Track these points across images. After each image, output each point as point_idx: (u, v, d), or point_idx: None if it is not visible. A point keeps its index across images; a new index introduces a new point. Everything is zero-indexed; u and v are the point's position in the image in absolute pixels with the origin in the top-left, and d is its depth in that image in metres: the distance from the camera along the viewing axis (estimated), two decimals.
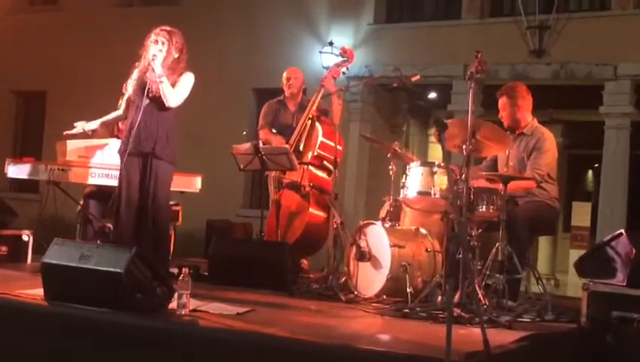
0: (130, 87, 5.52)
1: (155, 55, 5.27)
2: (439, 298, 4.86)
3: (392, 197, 5.74)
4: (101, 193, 6.39)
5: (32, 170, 6.14)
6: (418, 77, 6.11)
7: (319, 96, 6.56)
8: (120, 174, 5.42)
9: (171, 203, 5.70)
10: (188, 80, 5.42)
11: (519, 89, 5.60)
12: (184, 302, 4.10)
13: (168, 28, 5.40)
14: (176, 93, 5.36)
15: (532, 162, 5.38)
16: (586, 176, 14.84)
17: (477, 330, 3.65)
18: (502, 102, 5.59)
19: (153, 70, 5.27)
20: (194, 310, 4.20)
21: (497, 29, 10.61)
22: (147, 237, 5.33)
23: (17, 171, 6.21)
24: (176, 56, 5.36)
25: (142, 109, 5.29)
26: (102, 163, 6.11)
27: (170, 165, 5.42)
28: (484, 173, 5.42)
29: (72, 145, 6.13)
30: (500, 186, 4.97)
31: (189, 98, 5.47)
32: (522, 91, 5.58)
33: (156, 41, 5.32)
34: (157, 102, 5.33)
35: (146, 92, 5.29)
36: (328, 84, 6.49)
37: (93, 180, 6.12)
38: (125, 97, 5.67)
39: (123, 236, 5.29)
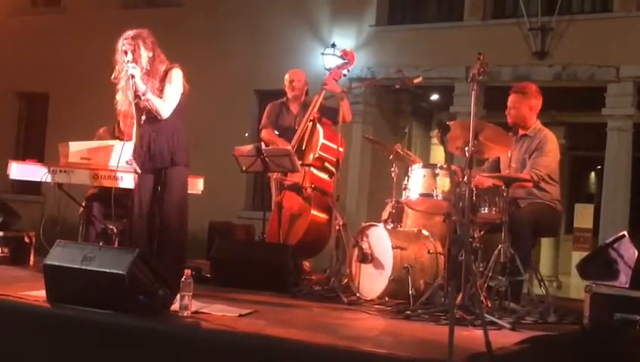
0: (120, 106, 5.47)
1: (132, 75, 5.19)
2: (441, 300, 4.86)
3: (394, 198, 5.74)
4: (104, 195, 6.39)
5: (34, 171, 6.15)
6: (420, 79, 6.10)
7: (320, 98, 6.56)
8: (134, 187, 5.47)
9: None
10: (173, 80, 5.33)
11: (532, 89, 5.60)
12: (186, 304, 4.11)
13: (131, 33, 5.32)
14: (166, 101, 5.30)
15: (532, 162, 5.38)
16: (588, 178, 14.83)
17: (479, 332, 3.64)
18: (513, 98, 5.56)
19: (137, 89, 5.21)
20: (196, 312, 4.20)
21: (500, 31, 10.60)
22: (163, 242, 5.40)
23: (20, 173, 6.22)
24: (150, 55, 5.31)
25: (144, 127, 5.32)
26: (105, 164, 6.11)
27: (184, 167, 5.44)
28: (486, 174, 5.42)
29: (74, 146, 6.14)
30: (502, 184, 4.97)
31: (191, 100, 5.45)
32: (534, 92, 5.58)
33: (125, 52, 5.27)
34: (153, 115, 5.33)
35: (138, 110, 5.30)
36: (332, 86, 6.48)
37: (95, 182, 6.13)
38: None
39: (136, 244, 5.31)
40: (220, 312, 4.31)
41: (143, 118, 5.35)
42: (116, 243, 6.28)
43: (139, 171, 5.40)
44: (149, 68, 5.30)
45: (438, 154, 12.82)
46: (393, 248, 5.20)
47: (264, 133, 6.77)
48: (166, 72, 5.35)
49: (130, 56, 5.25)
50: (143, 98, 5.24)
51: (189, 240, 5.70)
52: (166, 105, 5.31)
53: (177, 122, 5.41)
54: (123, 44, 5.30)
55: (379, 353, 3.48)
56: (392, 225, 5.57)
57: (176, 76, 5.36)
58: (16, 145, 14.47)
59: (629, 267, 4.71)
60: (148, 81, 5.27)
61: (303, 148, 6.49)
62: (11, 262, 6.36)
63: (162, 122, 5.34)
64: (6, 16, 13.94)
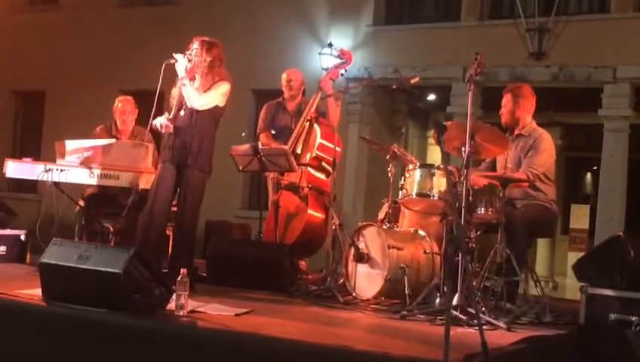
0: (175, 97, 5.64)
1: (175, 59, 5.41)
2: (437, 300, 4.87)
3: (390, 198, 5.74)
4: (102, 194, 6.39)
5: (30, 169, 6.14)
6: (417, 79, 6.10)
7: (317, 98, 6.56)
8: (154, 179, 5.62)
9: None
10: (220, 88, 5.54)
11: (524, 89, 5.64)
12: (182, 303, 4.11)
13: (205, 38, 5.56)
14: (203, 96, 5.48)
15: (527, 160, 5.39)
16: (584, 179, 14.84)
17: (475, 332, 3.65)
18: (505, 98, 5.61)
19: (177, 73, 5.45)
20: (192, 311, 4.21)
21: (497, 31, 10.60)
22: (177, 244, 5.58)
23: (16, 171, 6.21)
24: (209, 60, 5.50)
25: (177, 120, 5.52)
26: (101, 163, 6.10)
27: (202, 173, 5.55)
28: (481, 173, 5.42)
29: (70, 145, 6.13)
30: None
31: None
32: (526, 92, 5.61)
33: (188, 49, 5.50)
34: (190, 113, 5.49)
35: (178, 103, 5.54)
36: (325, 86, 6.49)
37: (92, 180, 6.12)
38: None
39: (142, 239, 5.40)
40: (216, 311, 4.31)
41: (182, 113, 5.53)
42: (112, 242, 6.27)
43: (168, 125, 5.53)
44: (206, 72, 5.51)
45: (434, 154, 12.82)
46: (389, 248, 5.20)
47: (263, 138, 6.76)
48: (216, 82, 5.54)
49: (194, 54, 5.48)
50: (179, 82, 5.45)
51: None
52: (200, 98, 5.48)
53: (209, 129, 5.57)
54: (192, 42, 5.53)
55: (375, 353, 3.48)
56: (388, 225, 5.57)
57: (223, 86, 5.58)
58: (13, 143, 14.44)
59: (624, 268, 4.72)
60: (202, 84, 5.49)
61: (300, 147, 6.50)
62: (7, 261, 6.36)
63: (194, 123, 5.50)
64: (3, 14, 13.92)
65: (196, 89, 5.49)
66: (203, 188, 5.61)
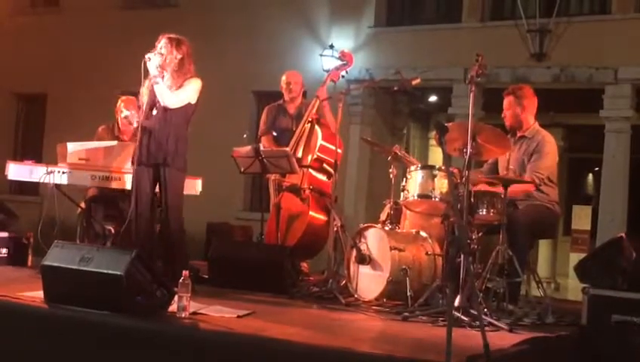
0: (144, 96, 5.55)
1: (149, 57, 5.34)
2: (439, 301, 4.86)
3: (392, 200, 5.74)
4: (103, 196, 6.39)
5: (32, 172, 6.14)
6: (419, 80, 6.10)
7: (317, 102, 6.57)
8: (132, 183, 5.55)
9: None
10: (191, 85, 5.47)
11: (525, 90, 5.62)
12: (184, 305, 4.11)
13: (172, 35, 5.48)
14: (175, 94, 5.41)
15: (532, 165, 5.39)
16: (586, 180, 14.83)
17: (477, 334, 3.65)
18: (507, 101, 5.59)
19: (148, 73, 5.36)
20: (194, 313, 4.20)
21: (498, 33, 10.60)
22: (162, 243, 5.51)
23: (17, 173, 6.21)
24: (180, 57, 5.42)
25: (150, 120, 5.44)
26: (103, 165, 6.10)
27: (180, 172, 5.51)
28: (484, 176, 5.42)
29: (72, 147, 6.13)
30: (500, 189, 4.97)
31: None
32: (528, 93, 5.59)
33: (155, 47, 5.41)
34: (163, 111, 5.43)
35: (149, 103, 5.45)
36: (320, 92, 6.52)
37: (93, 183, 6.12)
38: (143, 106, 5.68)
39: (133, 244, 5.34)
40: (218, 313, 4.31)
41: (154, 112, 5.47)
42: (110, 244, 6.27)
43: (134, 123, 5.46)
44: (176, 69, 5.44)
45: (436, 155, 12.82)
46: (391, 249, 5.20)
47: (264, 141, 6.75)
48: (187, 78, 5.48)
49: (159, 50, 5.40)
50: (151, 81, 5.38)
51: (187, 241, 5.72)
52: (172, 96, 5.41)
53: (182, 128, 5.51)
54: (159, 40, 5.46)
55: (377, 354, 3.48)
56: (390, 227, 5.57)
57: (194, 83, 5.50)
58: (15, 145, 14.45)
59: (626, 269, 4.72)
60: (173, 82, 5.41)
61: (301, 149, 6.50)
62: (9, 263, 6.36)
63: (168, 122, 5.43)
64: (5, 17, 13.93)
65: (167, 87, 5.42)
66: (183, 186, 5.59)
